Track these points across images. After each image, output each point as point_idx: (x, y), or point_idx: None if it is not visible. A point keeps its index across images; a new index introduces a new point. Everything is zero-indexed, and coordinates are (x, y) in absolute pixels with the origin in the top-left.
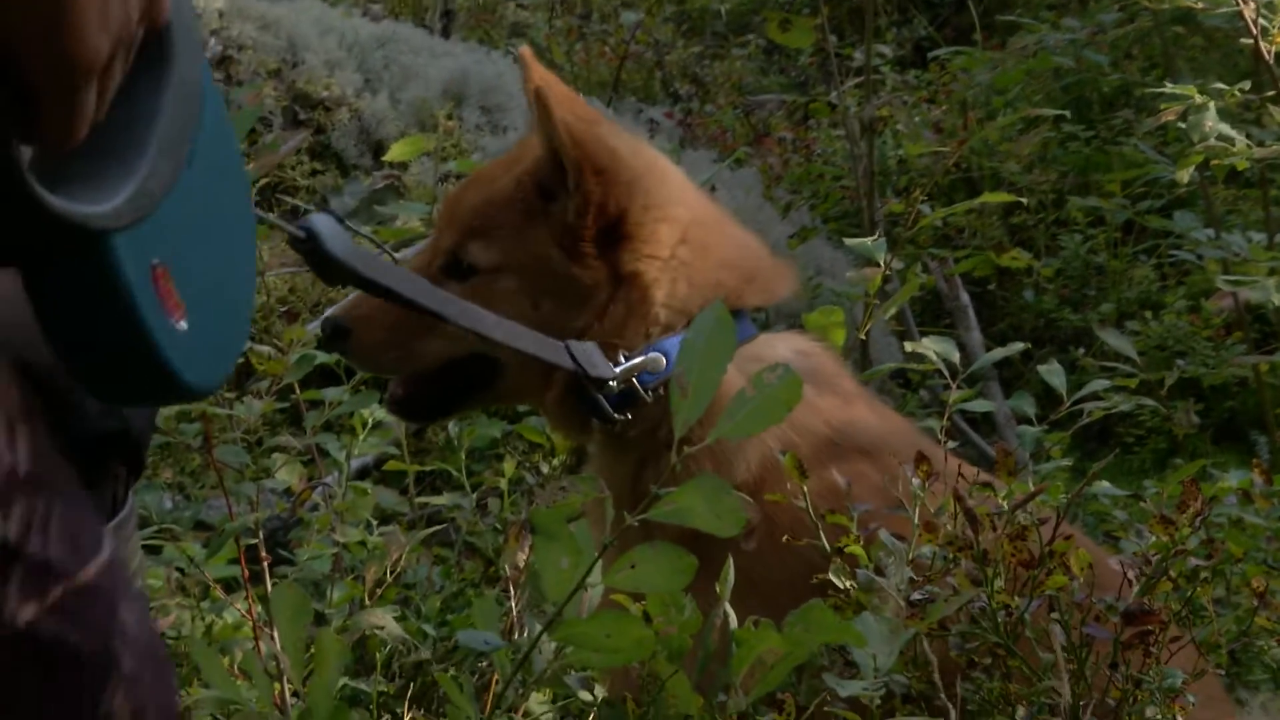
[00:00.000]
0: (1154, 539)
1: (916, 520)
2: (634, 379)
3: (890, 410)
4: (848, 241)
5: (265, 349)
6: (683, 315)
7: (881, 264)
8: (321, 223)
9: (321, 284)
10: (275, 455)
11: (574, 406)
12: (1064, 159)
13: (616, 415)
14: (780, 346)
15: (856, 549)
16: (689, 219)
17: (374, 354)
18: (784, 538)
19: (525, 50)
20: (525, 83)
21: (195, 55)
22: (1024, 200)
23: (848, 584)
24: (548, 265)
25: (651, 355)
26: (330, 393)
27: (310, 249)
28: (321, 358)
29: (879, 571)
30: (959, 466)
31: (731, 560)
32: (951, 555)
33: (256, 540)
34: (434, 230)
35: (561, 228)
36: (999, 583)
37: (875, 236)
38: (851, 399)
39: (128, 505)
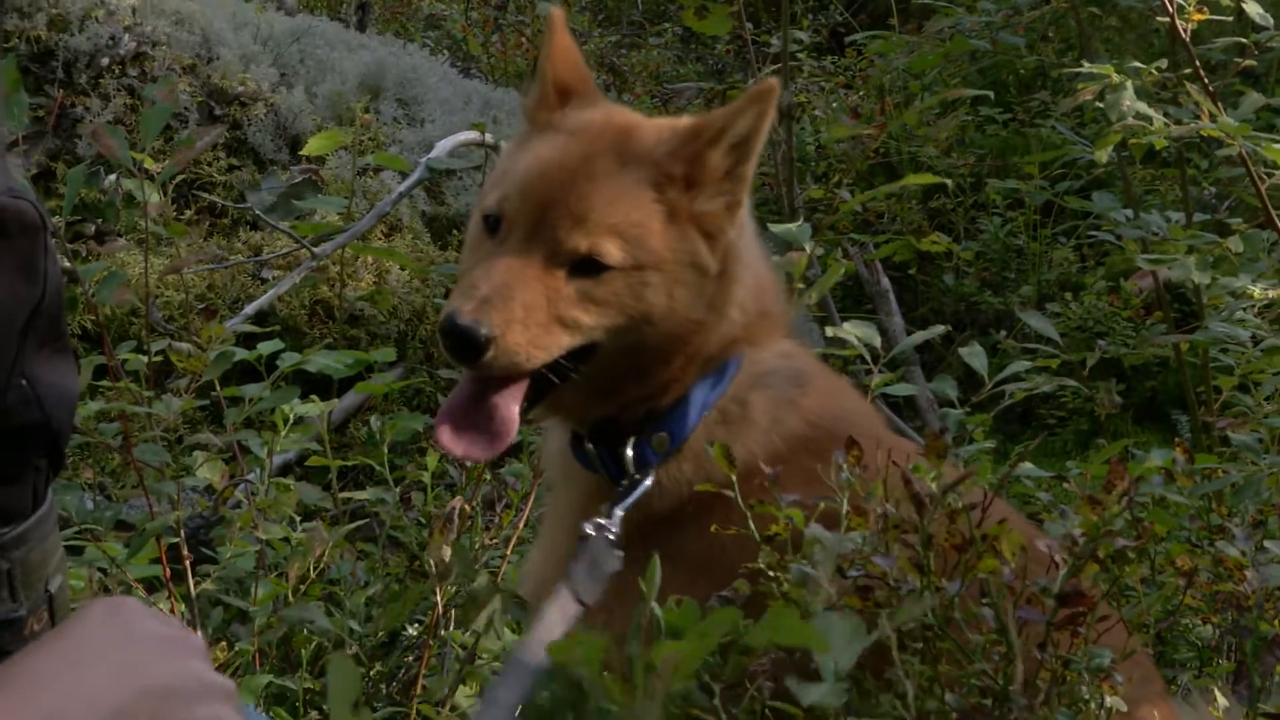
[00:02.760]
0: (1081, 520)
1: (846, 506)
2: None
3: (863, 400)
4: (772, 227)
5: (184, 346)
6: (730, 335)
7: (807, 249)
8: None
9: (240, 280)
10: (196, 453)
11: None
12: (982, 142)
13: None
14: (767, 356)
15: (780, 529)
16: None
17: (522, 354)
18: (713, 526)
19: (557, 12)
20: (547, 46)
21: None
22: (947, 181)
23: (776, 573)
24: (690, 258)
25: (659, 436)
26: (250, 389)
27: None
28: (240, 354)
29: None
30: (890, 452)
31: (677, 548)
32: (892, 538)
33: (178, 539)
34: (532, 225)
35: (706, 217)
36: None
37: (798, 223)
38: (833, 394)
39: (48, 500)
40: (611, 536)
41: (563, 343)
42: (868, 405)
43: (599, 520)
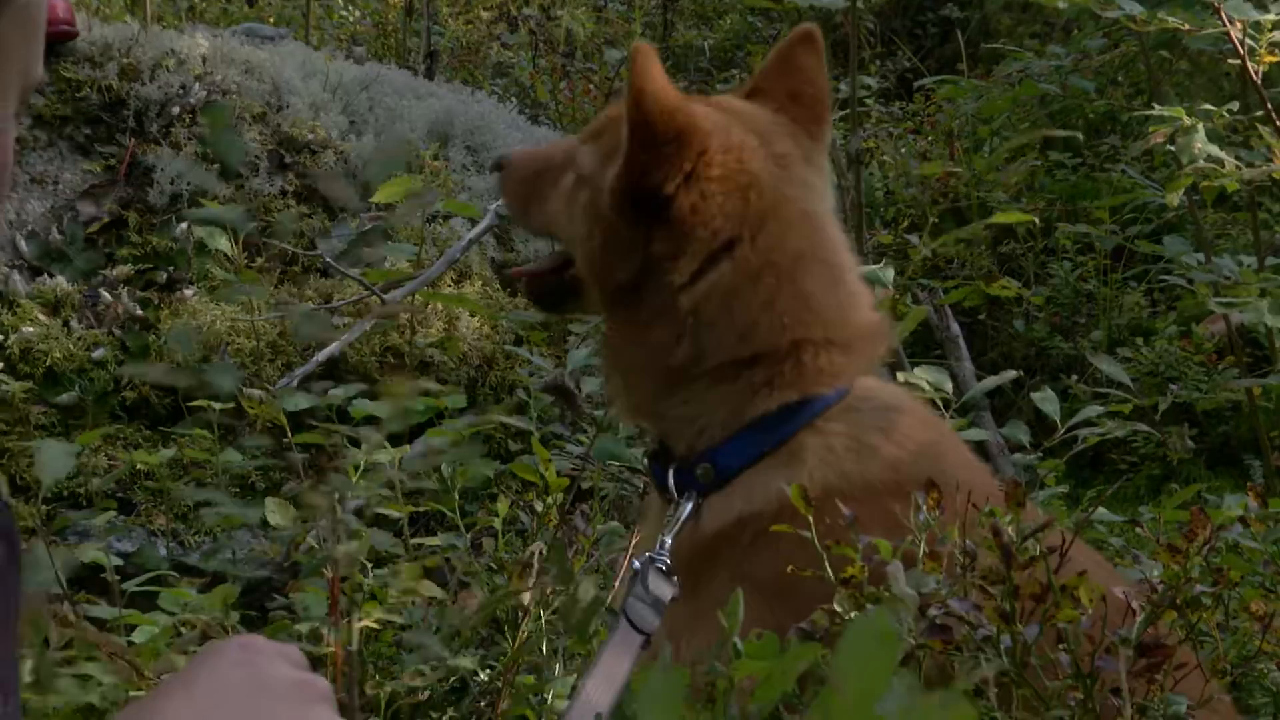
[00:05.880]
0: (1162, 568)
1: (924, 549)
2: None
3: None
4: None
5: (256, 393)
6: (717, 340)
7: (890, 288)
8: None
9: (311, 329)
10: (268, 499)
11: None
12: (1051, 186)
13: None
14: (852, 393)
15: (856, 571)
16: (756, 240)
17: (509, 196)
18: (789, 568)
19: (640, 44)
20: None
21: None
22: (1034, 219)
23: (852, 614)
24: (602, 197)
25: (702, 468)
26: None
27: None
28: (310, 401)
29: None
30: (970, 494)
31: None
32: (969, 584)
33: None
34: None
35: (616, 172)
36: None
37: (881, 264)
38: (927, 439)
39: None
40: (663, 566)
41: (543, 212)
42: (968, 454)
43: (649, 552)
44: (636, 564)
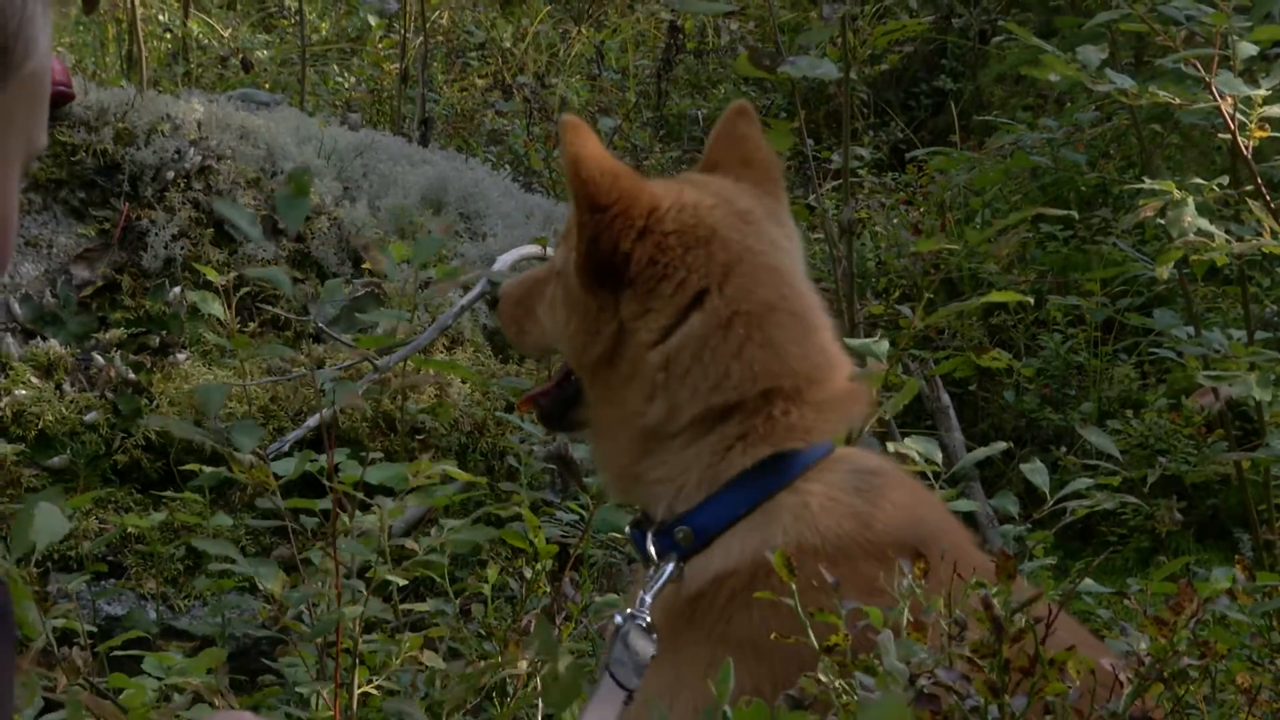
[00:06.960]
0: (1149, 641)
1: (907, 618)
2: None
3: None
4: (848, 342)
5: (247, 457)
6: (690, 391)
7: (884, 361)
8: None
9: (303, 393)
10: (274, 564)
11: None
12: (1043, 258)
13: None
14: (830, 456)
15: (840, 640)
16: (724, 289)
17: (505, 324)
18: (772, 634)
19: (569, 117)
20: (563, 147)
21: None
22: (1028, 300)
23: (836, 683)
24: (570, 280)
25: (682, 531)
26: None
27: None
28: (305, 466)
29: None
30: (955, 565)
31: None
32: (955, 655)
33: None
34: None
35: (574, 246)
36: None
37: (876, 338)
38: (908, 501)
39: None
40: (643, 623)
41: (535, 325)
42: (948, 516)
43: (630, 609)
44: (619, 618)
